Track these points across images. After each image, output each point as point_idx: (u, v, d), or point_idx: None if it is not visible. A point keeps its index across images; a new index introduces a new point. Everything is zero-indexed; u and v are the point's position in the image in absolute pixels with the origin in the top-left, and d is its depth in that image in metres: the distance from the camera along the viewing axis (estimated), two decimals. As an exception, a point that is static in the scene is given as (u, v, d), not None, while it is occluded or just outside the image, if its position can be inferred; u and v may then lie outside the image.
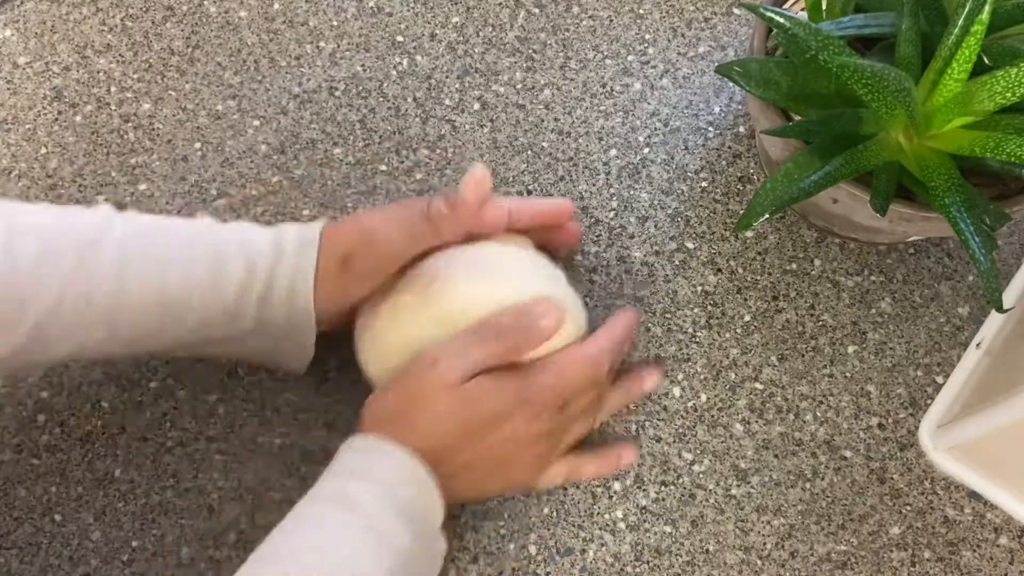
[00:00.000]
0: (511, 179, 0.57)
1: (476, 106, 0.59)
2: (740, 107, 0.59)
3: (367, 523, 0.38)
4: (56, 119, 0.58)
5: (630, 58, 0.60)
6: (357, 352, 0.47)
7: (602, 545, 0.48)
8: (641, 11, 0.62)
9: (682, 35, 0.61)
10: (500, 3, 0.62)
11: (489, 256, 0.46)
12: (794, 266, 0.55)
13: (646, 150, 0.58)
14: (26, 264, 0.39)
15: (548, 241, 0.51)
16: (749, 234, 0.55)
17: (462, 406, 0.42)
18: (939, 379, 0.52)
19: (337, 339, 0.47)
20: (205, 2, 0.62)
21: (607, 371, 0.46)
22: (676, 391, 0.52)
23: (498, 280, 0.45)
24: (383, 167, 0.57)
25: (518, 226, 0.48)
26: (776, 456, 0.50)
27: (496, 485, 0.46)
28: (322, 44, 0.61)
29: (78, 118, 0.58)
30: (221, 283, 0.42)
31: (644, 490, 0.49)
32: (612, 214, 0.56)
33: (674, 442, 0.50)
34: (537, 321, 0.43)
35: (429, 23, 0.61)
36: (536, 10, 0.62)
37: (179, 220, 0.45)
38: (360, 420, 0.43)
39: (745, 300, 0.54)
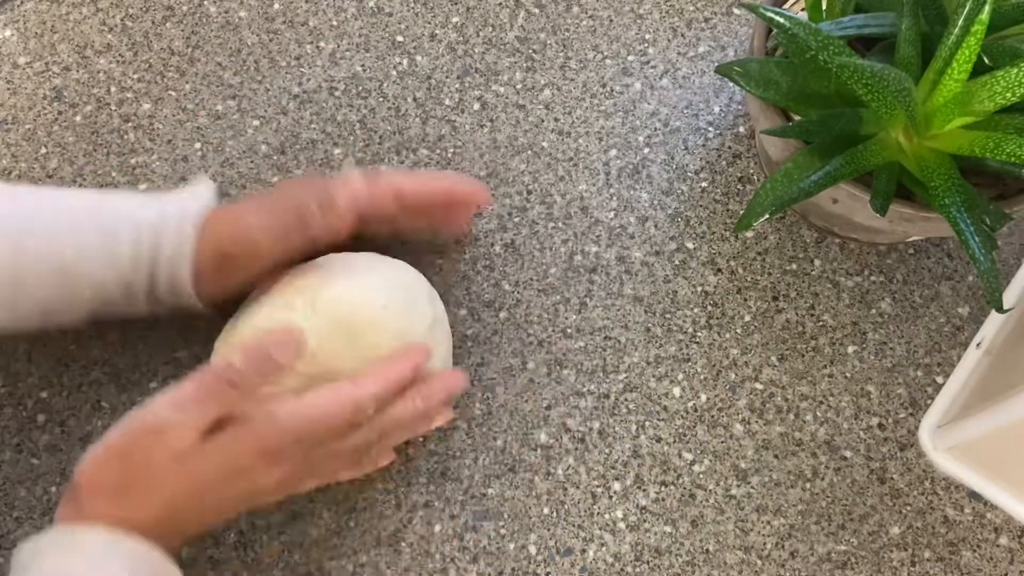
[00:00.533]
0: (511, 179, 0.57)
1: (476, 106, 0.59)
2: (740, 107, 0.59)
3: None
4: (56, 119, 0.58)
5: (630, 58, 0.60)
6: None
7: (602, 545, 0.48)
8: (641, 11, 0.62)
9: (682, 35, 0.61)
10: (500, 3, 0.62)
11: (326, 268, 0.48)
12: (794, 266, 0.55)
13: (646, 150, 0.58)
14: None
15: (443, 221, 0.53)
16: (749, 234, 0.55)
17: (193, 473, 0.38)
18: (939, 379, 0.52)
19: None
20: (205, 2, 0.62)
21: (379, 414, 0.43)
22: (676, 391, 0.52)
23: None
24: (383, 167, 0.57)
25: (411, 206, 0.48)
26: (776, 456, 0.50)
27: (232, 514, 0.42)
28: (322, 44, 0.61)
29: (78, 118, 0.58)
30: (115, 257, 0.43)
31: (644, 490, 0.49)
32: (612, 214, 0.56)
33: (674, 442, 0.50)
34: (271, 355, 0.40)
35: (429, 23, 0.61)
36: (536, 10, 0.62)
37: (67, 192, 0.46)
38: (73, 480, 0.38)
39: (745, 300, 0.54)
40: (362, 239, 0.49)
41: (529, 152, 0.57)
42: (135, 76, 0.60)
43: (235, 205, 0.46)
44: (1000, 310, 0.43)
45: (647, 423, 0.51)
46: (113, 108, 0.59)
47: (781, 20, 0.44)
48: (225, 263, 0.44)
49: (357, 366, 0.44)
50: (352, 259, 0.49)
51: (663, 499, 0.49)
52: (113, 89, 0.59)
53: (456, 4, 0.62)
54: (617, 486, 0.49)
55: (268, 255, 0.45)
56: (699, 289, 0.54)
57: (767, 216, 0.43)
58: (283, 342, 0.41)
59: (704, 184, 0.57)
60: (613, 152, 0.58)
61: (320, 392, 0.41)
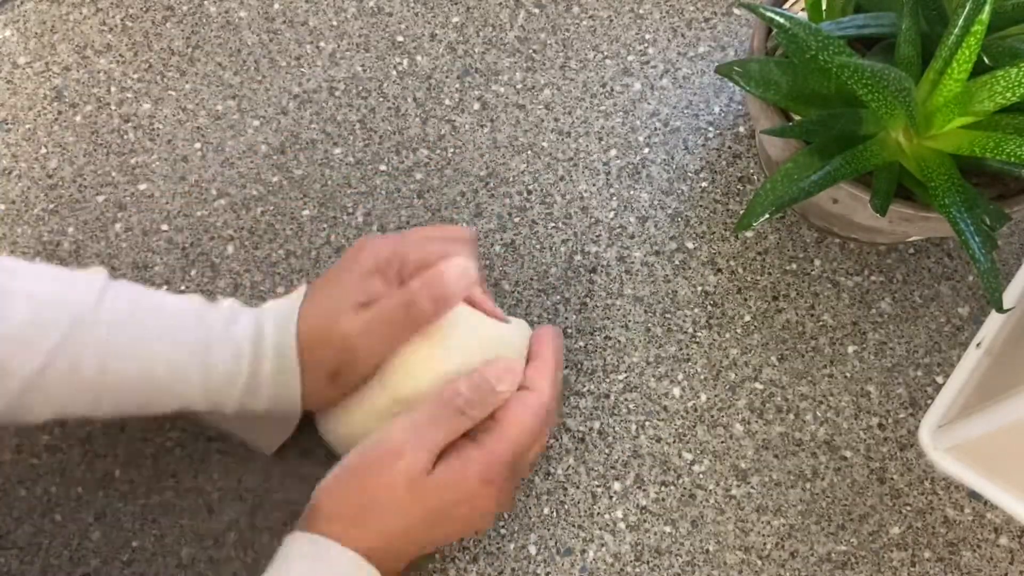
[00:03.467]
0: (511, 179, 0.57)
1: (476, 106, 0.59)
2: (740, 107, 0.59)
3: None
4: (56, 119, 0.58)
5: (630, 58, 0.60)
6: (323, 432, 0.47)
7: (602, 545, 0.48)
8: (641, 11, 0.62)
9: (682, 35, 0.61)
10: (500, 3, 0.62)
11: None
12: (794, 266, 0.55)
13: (646, 150, 0.58)
14: (13, 330, 0.39)
15: None
16: (749, 234, 0.55)
17: (424, 499, 0.41)
18: (939, 379, 0.52)
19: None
20: (205, 2, 0.62)
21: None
22: (676, 391, 0.52)
23: (442, 345, 0.45)
24: (383, 167, 0.57)
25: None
26: (776, 456, 0.50)
27: (451, 540, 0.46)
28: (322, 44, 0.61)
29: (78, 118, 0.58)
30: (207, 373, 0.42)
31: (644, 490, 0.49)
32: (612, 214, 0.56)
33: (674, 442, 0.50)
34: (495, 387, 0.42)
35: (429, 23, 0.61)
36: (536, 10, 0.62)
37: (169, 297, 0.44)
38: (313, 502, 0.41)
39: (745, 300, 0.54)
40: None
41: (529, 152, 0.57)
42: (135, 76, 0.60)
43: (329, 311, 0.44)
44: (1000, 310, 0.43)
45: (647, 423, 0.51)
46: (113, 108, 0.59)
47: (781, 20, 0.44)
48: (335, 376, 0.44)
49: None
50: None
51: (663, 499, 0.49)
52: (113, 89, 0.59)
53: (456, 4, 0.62)
54: (617, 486, 0.49)
55: (372, 358, 0.44)
56: (699, 289, 0.54)
57: (767, 216, 0.43)
58: (505, 373, 0.43)
59: (704, 184, 0.57)
60: (613, 152, 0.58)
61: (512, 410, 0.43)
